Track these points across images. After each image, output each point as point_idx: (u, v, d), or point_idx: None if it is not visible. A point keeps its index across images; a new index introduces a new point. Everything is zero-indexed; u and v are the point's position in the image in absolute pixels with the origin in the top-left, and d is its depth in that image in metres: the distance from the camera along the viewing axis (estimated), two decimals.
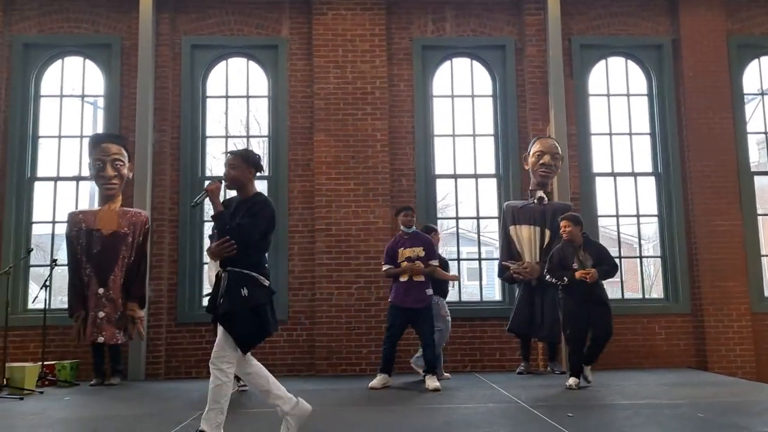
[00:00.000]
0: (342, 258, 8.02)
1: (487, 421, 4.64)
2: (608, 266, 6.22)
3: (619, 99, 8.96)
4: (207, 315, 7.93)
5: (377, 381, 6.40)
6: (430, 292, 6.49)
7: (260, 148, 11.34)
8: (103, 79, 8.49)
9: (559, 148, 7.86)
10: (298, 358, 7.95)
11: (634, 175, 8.78)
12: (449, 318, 6.97)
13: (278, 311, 7.81)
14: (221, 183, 4.04)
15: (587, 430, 4.21)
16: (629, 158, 8.83)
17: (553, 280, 6.36)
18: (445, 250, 10.57)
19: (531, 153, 7.83)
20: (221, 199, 4.11)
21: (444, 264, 7.00)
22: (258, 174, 4.06)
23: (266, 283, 3.92)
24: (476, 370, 7.91)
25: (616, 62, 9.00)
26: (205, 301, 4.07)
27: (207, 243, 8.46)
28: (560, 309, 6.50)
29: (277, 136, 8.45)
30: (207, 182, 4.05)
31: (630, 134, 8.87)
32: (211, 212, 4.08)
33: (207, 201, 4.02)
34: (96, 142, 7.50)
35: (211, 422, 3.66)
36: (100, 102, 8.88)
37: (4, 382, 6.43)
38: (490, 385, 6.52)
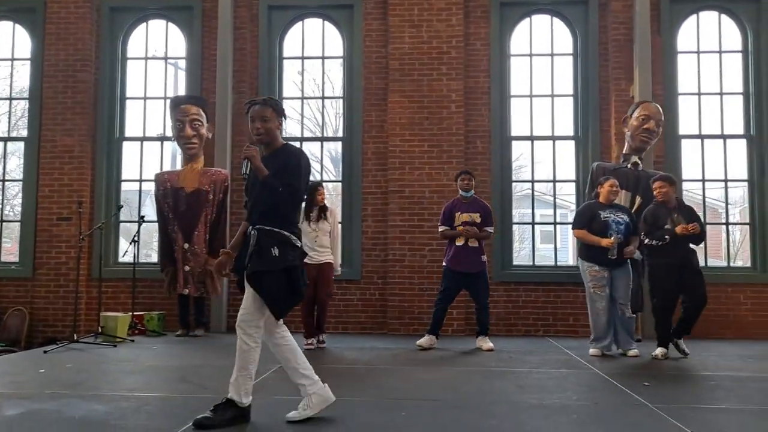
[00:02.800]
0: (415, 220, 8.05)
1: (561, 387, 4.62)
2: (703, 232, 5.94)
3: (710, 56, 8.44)
4: None
5: (425, 340, 6.55)
6: (484, 258, 6.54)
7: (334, 108, 11.40)
8: (184, 41, 8.72)
9: (662, 115, 7.51)
10: (371, 317, 8.12)
11: (724, 137, 8.32)
12: (590, 287, 6.15)
13: (351, 271, 8.13)
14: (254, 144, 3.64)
15: (664, 400, 4.13)
16: (719, 120, 8.35)
17: (654, 242, 5.93)
18: (519, 212, 10.43)
19: (634, 116, 7.47)
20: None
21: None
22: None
23: (298, 243, 3.56)
24: (549, 334, 7.85)
25: (709, 17, 8.44)
26: None
27: None
28: (647, 276, 6.26)
29: (352, 97, 8.48)
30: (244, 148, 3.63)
31: (721, 94, 8.37)
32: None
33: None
34: (176, 103, 7.81)
35: (239, 389, 3.43)
36: (182, 64, 9.16)
37: (99, 330, 6.90)
38: (563, 351, 6.47)
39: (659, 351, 5.96)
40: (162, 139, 8.75)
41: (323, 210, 6.52)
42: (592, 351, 6.13)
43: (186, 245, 7.44)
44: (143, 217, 7.88)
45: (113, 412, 3.73)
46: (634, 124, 7.44)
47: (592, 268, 6.12)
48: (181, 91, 8.90)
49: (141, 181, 8.73)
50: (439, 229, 6.75)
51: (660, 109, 7.54)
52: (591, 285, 6.14)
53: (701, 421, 3.62)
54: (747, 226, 8.41)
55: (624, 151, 7.60)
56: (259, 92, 8.47)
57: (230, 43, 8.29)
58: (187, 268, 7.41)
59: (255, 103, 3.64)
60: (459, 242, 6.48)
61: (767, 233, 8.02)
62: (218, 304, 7.94)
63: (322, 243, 6.50)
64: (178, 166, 8.40)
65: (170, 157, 9.75)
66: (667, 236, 5.87)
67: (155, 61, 9.07)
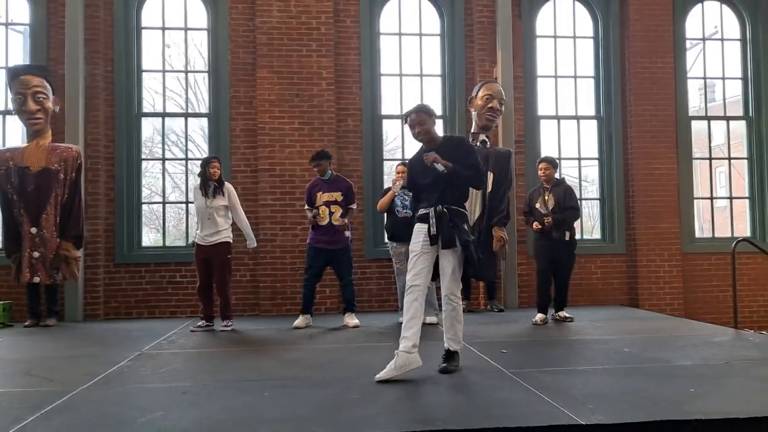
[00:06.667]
0: (286, 199, 7.93)
1: (425, 357, 4.73)
2: (569, 209, 6.48)
3: (565, 41, 8.95)
4: (146, 256, 7.84)
5: (300, 321, 6.55)
6: (347, 234, 6.62)
7: (205, 83, 10.92)
8: (28, 4, 7.93)
9: (503, 94, 7.84)
10: (241, 298, 7.93)
11: (577, 118, 8.89)
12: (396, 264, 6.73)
13: None
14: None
15: (518, 365, 4.37)
16: (573, 101, 8.91)
17: (528, 224, 6.84)
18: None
19: (478, 96, 7.74)
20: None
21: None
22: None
23: None
24: None
25: (565, 3, 8.93)
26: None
27: (144, 181, 8.26)
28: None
29: (218, 72, 8.14)
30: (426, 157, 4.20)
31: (575, 77, 8.92)
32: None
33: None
34: (15, 74, 7.07)
35: (460, 338, 4.27)
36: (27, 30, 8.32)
37: None
38: (433, 326, 6.64)
39: (538, 317, 6.52)
40: (4, 113, 7.95)
41: (219, 185, 6.30)
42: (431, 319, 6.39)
43: (34, 229, 6.82)
44: None
45: None
46: (479, 103, 7.69)
47: (392, 244, 6.71)
48: (28, 61, 8.08)
49: None
50: (305, 209, 6.74)
51: (501, 88, 7.88)
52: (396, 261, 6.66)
53: (547, 382, 3.86)
54: (598, 201, 9.06)
55: (472, 131, 7.88)
56: (116, 63, 7.93)
57: (81, 8, 7.64)
58: (36, 254, 6.81)
59: (410, 113, 4.30)
60: (322, 222, 6.47)
61: (615, 207, 8.69)
62: (73, 291, 7.40)
63: (216, 221, 6.26)
64: (22, 143, 7.64)
65: (22, 133, 8.89)
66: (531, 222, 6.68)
67: None
